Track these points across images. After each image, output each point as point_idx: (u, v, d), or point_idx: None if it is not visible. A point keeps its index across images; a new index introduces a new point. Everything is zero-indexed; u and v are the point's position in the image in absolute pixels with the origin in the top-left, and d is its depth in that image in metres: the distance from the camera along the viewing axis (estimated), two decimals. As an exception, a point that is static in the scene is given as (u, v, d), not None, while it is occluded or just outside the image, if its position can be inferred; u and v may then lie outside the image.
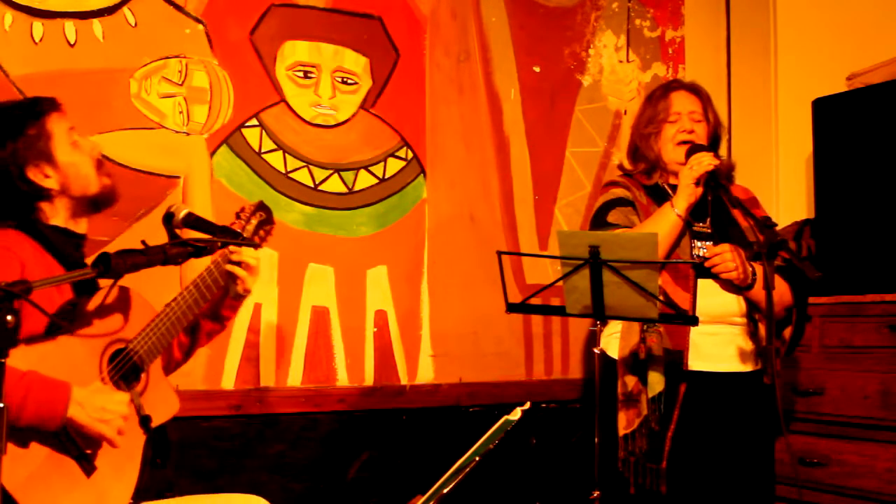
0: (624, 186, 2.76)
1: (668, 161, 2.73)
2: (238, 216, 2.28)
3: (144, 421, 1.98)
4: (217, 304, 2.27)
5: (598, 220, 2.72)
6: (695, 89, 2.78)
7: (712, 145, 2.75)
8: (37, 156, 2.04)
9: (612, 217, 2.69)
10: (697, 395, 2.59)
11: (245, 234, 2.24)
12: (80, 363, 1.92)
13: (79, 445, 1.87)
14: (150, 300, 2.12)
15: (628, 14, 3.77)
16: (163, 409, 2.08)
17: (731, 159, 2.86)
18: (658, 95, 2.79)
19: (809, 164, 3.51)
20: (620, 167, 2.89)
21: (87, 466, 1.89)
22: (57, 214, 2.09)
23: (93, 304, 1.97)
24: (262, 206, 2.32)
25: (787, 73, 3.81)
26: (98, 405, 1.85)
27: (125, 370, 1.99)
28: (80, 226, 2.14)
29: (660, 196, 2.72)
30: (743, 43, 3.94)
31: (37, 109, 2.08)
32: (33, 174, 2.03)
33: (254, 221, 2.28)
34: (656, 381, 2.56)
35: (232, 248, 2.17)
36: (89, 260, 1.91)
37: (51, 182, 2.05)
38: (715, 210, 2.69)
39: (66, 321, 1.91)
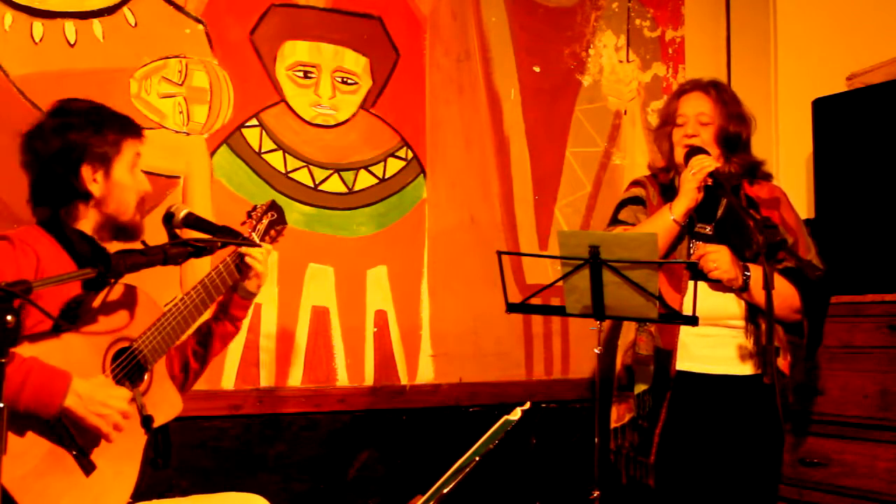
0: (641, 185, 2.79)
1: (678, 163, 2.70)
2: (249, 215, 2.30)
3: (146, 421, 1.98)
4: (227, 303, 2.27)
5: (612, 216, 2.77)
6: (707, 90, 2.69)
7: (731, 145, 2.66)
8: (99, 158, 2.05)
9: (623, 214, 2.73)
10: (685, 395, 2.59)
11: (256, 234, 2.27)
12: (83, 361, 1.91)
13: (76, 440, 1.86)
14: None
15: (628, 14, 3.77)
16: (165, 409, 2.07)
17: (751, 155, 2.73)
18: (672, 96, 2.80)
19: (809, 164, 3.51)
20: (650, 166, 2.88)
21: (87, 465, 1.88)
22: (84, 221, 2.07)
23: (98, 301, 1.97)
24: (273, 206, 2.35)
25: (787, 73, 3.81)
26: (97, 399, 1.85)
27: (129, 369, 1.99)
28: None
29: (672, 195, 2.70)
30: (743, 43, 3.94)
31: (123, 126, 2.10)
32: (86, 171, 2.04)
33: (265, 221, 2.31)
34: (642, 379, 2.59)
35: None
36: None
37: (95, 188, 2.05)
38: (727, 211, 2.65)
39: (70, 319, 1.91)
